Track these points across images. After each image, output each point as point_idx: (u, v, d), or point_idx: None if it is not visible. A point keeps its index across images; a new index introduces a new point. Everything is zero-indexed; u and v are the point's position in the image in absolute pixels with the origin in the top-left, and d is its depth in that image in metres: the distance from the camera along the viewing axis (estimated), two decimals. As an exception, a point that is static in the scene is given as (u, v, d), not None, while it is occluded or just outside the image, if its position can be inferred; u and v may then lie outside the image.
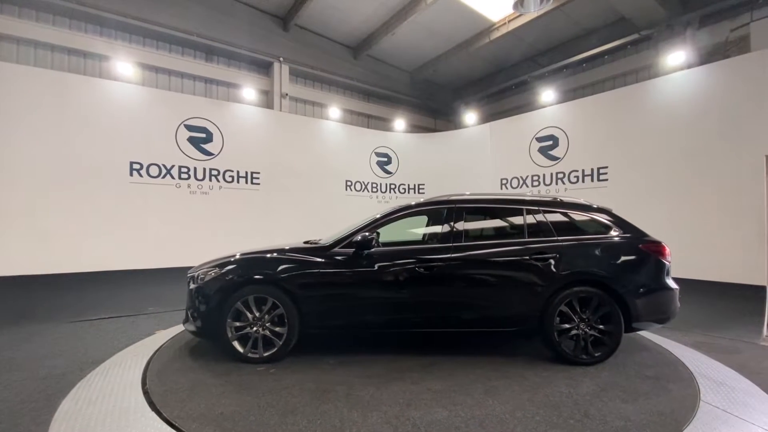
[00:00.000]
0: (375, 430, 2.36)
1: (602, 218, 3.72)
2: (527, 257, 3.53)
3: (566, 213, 3.79)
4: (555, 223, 3.68)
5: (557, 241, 3.58)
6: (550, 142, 7.34)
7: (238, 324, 3.48)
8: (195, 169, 6.76)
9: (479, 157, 8.61)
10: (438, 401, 2.73)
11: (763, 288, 4.77)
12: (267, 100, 8.77)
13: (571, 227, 3.74)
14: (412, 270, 3.51)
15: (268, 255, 3.68)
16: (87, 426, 2.40)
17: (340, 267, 3.57)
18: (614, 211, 3.81)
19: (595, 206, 3.85)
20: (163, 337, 4.25)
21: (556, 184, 7.19)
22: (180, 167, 6.61)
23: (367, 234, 3.60)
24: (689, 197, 5.50)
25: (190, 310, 3.70)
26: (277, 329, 3.49)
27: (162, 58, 7.53)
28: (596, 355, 3.40)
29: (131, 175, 6.18)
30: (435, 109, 11.66)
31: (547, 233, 3.63)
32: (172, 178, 6.54)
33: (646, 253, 3.53)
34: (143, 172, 6.28)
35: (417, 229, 4.39)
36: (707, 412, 2.62)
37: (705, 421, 2.50)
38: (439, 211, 3.92)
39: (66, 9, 6.46)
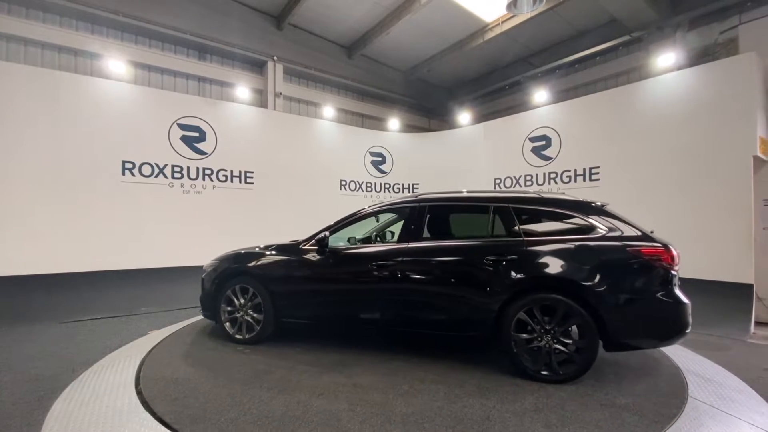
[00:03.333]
0: (269, 409, 2.62)
1: (586, 216, 3.27)
2: (481, 258, 3.26)
3: (544, 210, 3.44)
4: (526, 222, 3.39)
5: (520, 241, 3.24)
6: (543, 142, 7.40)
7: (229, 309, 4.04)
8: (188, 168, 6.72)
9: (473, 157, 8.65)
10: (350, 395, 2.83)
11: (750, 286, 4.87)
12: (261, 99, 8.74)
13: (546, 226, 3.44)
14: (369, 269, 3.61)
15: (253, 251, 4.16)
16: (80, 427, 2.39)
17: (305, 263, 3.87)
18: (607, 208, 3.37)
19: (583, 202, 3.42)
20: (156, 337, 4.24)
21: (549, 183, 7.25)
22: (173, 166, 6.56)
23: (326, 233, 3.83)
24: (678, 197, 5.58)
25: (200, 295, 4.30)
26: (256, 316, 3.94)
27: (154, 56, 7.47)
28: (561, 372, 3.00)
29: (123, 174, 6.12)
30: (429, 109, 11.69)
31: (513, 232, 3.32)
32: (165, 177, 6.49)
33: (637, 257, 2.99)
34: (135, 171, 6.23)
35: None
36: (695, 408, 2.68)
37: (693, 417, 2.55)
38: (404, 210, 3.85)
39: (57, 6, 6.38)
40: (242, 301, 3.99)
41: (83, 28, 6.78)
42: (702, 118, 5.43)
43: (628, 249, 3.03)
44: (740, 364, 3.65)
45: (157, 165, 6.41)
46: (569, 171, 6.98)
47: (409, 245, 3.57)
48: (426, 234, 3.67)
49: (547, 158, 7.34)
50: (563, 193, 3.64)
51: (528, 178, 7.64)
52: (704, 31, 6.79)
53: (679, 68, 6.33)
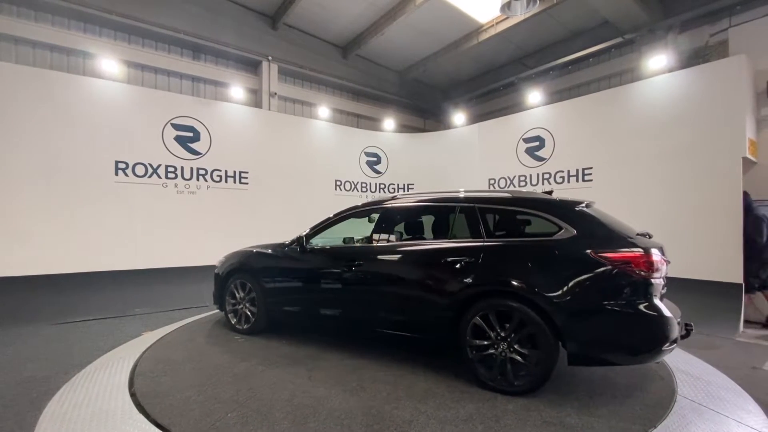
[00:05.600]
0: (221, 392, 2.89)
1: (555, 217, 3.01)
2: (440, 260, 3.18)
3: (510, 210, 3.27)
4: (491, 223, 3.23)
5: (479, 243, 3.11)
6: (537, 143, 7.45)
7: (232, 301, 4.48)
8: (182, 168, 6.68)
9: (468, 158, 8.69)
10: (298, 388, 2.99)
11: (739, 285, 4.94)
12: (255, 99, 8.71)
13: (511, 226, 3.25)
14: (339, 269, 3.74)
15: (251, 250, 4.52)
16: (73, 429, 2.39)
17: (286, 262, 4.17)
18: (589, 209, 3.10)
19: (556, 202, 3.16)
20: (150, 338, 4.22)
21: (543, 184, 7.30)
22: (167, 166, 6.53)
23: (303, 234, 4.08)
24: (669, 197, 5.65)
25: (213, 290, 4.76)
26: (252, 309, 4.31)
27: (148, 55, 7.42)
28: (516, 383, 2.81)
29: (116, 174, 6.08)
30: (424, 109, 11.72)
31: (475, 234, 3.18)
32: (159, 177, 6.46)
33: (602, 263, 2.70)
34: (129, 171, 6.18)
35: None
36: (684, 406, 2.72)
37: (681, 414, 2.60)
38: (378, 211, 3.91)
39: (49, 5, 6.31)
40: (242, 294, 4.41)
41: (75, 27, 6.73)
42: (693, 120, 5.50)
43: (591, 253, 2.73)
44: (729, 362, 3.71)
45: (150, 165, 6.37)
46: (563, 172, 7.04)
47: (373, 245, 3.69)
48: (396, 234, 3.76)
49: (540, 159, 7.39)
50: (550, 192, 3.44)
51: (522, 178, 7.68)
52: (695, 33, 6.87)
53: (671, 70, 6.40)
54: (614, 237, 2.83)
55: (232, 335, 4.33)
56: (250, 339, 4.19)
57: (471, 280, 3.02)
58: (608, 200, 5.78)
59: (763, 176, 5.39)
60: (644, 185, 5.92)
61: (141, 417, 2.51)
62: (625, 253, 2.70)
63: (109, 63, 6.75)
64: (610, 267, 2.68)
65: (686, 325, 2.92)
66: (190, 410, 2.62)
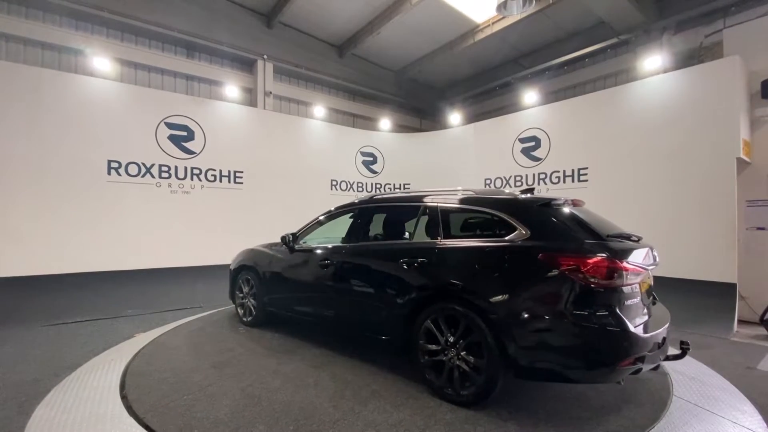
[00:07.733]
0: (192, 377, 3.11)
1: (512, 217, 2.78)
2: (397, 260, 3.12)
3: (470, 210, 3.11)
4: (452, 223, 3.11)
5: (433, 244, 3.03)
6: (533, 143, 7.45)
7: (240, 295, 4.81)
8: (176, 167, 6.62)
9: (464, 158, 8.68)
10: (257, 378, 3.11)
11: (733, 285, 4.96)
12: (250, 98, 8.66)
13: (471, 226, 3.12)
14: (313, 268, 3.89)
15: (255, 248, 4.85)
16: (62, 434, 2.34)
17: (276, 260, 4.41)
18: (570, 209, 2.84)
19: (519, 201, 2.92)
20: (143, 340, 4.16)
21: (538, 184, 7.30)
22: (160, 166, 6.46)
23: (289, 234, 4.29)
24: (664, 198, 5.66)
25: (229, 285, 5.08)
26: (254, 302, 4.61)
27: (141, 53, 7.35)
28: (462, 393, 2.65)
29: (109, 173, 6.01)
30: (420, 109, 11.72)
31: (434, 234, 3.10)
32: (152, 177, 6.39)
33: (551, 268, 2.44)
34: (122, 170, 6.11)
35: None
36: (679, 407, 2.72)
37: (677, 416, 2.59)
38: (356, 211, 3.96)
39: (41, 2, 6.24)
40: (247, 289, 4.72)
41: (67, 24, 6.65)
42: (687, 121, 5.52)
43: (541, 257, 2.49)
44: (724, 362, 3.72)
45: (144, 164, 6.31)
46: (558, 172, 7.04)
47: (341, 245, 3.79)
48: (369, 235, 3.80)
49: (536, 159, 7.40)
50: (531, 190, 3.22)
51: (518, 178, 7.69)
52: (690, 34, 6.91)
53: (666, 71, 6.43)
54: (576, 239, 2.51)
55: (237, 327, 4.65)
56: (250, 331, 4.50)
57: (422, 282, 2.97)
58: (603, 200, 5.81)
59: (757, 177, 5.42)
60: (639, 185, 5.94)
61: (132, 421, 2.46)
62: (580, 257, 2.39)
63: (102, 61, 6.68)
64: (561, 272, 2.40)
65: (682, 343, 2.77)
66: (158, 390, 2.86)
